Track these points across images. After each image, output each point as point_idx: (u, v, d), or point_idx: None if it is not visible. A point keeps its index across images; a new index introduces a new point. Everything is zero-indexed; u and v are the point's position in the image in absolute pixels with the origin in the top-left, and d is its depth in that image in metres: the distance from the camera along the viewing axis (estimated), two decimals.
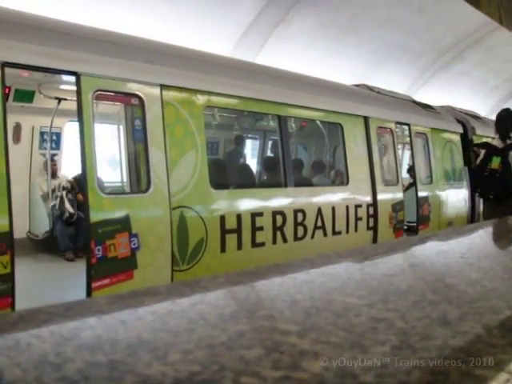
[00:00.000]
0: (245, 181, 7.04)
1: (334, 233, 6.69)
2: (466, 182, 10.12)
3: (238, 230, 5.46)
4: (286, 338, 0.76)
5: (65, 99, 6.99)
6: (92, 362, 0.66)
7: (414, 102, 9.78)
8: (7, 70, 3.91)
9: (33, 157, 7.67)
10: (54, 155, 7.93)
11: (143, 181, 4.89)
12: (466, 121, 10.47)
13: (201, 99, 5.36)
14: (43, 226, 7.61)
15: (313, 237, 6.36)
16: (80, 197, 7.11)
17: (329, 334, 0.78)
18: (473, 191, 9.21)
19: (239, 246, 5.46)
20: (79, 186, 6.99)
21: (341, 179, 7.50)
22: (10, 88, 6.54)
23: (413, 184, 8.83)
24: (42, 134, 7.79)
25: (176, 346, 0.73)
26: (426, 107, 9.65)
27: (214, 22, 10.00)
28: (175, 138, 5.00)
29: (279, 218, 5.93)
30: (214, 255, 5.20)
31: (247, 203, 5.75)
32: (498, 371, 0.66)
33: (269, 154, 9.26)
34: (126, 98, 4.94)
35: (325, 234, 6.54)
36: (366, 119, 7.54)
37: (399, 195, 8.09)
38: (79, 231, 7.10)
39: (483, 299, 1.04)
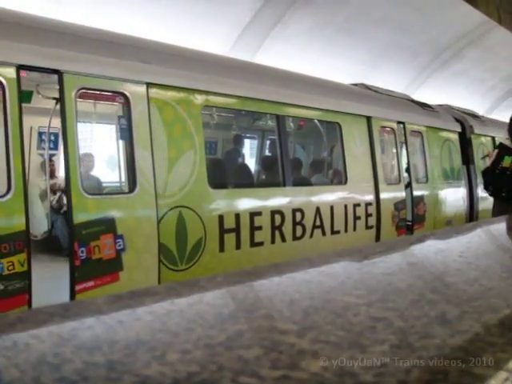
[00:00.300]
0: (243, 180, 7.04)
1: (333, 232, 6.70)
2: (464, 180, 10.13)
3: (237, 230, 5.45)
4: (285, 337, 0.76)
5: None
6: (90, 362, 0.65)
7: (412, 100, 9.79)
8: None
9: (31, 157, 7.66)
10: (52, 155, 7.92)
11: (128, 181, 4.83)
12: (464, 119, 10.49)
13: (195, 98, 5.30)
14: (42, 226, 7.60)
15: (311, 236, 6.36)
16: None
17: (328, 334, 0.78)
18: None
19: (238, 246, 5.46)
20: None
21: (339, 178, 7.51)
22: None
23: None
24: (40, 134, 7.78)
25: (174, 346, 0.73)
26: (424, 106, 9.65)
27: (210, 23, 9.99)
28: (163, 138, 4.92)
29: (278, 218, 5.93)
30: (212, 255, 5.19)
31: (246, 203, 5.74)
32: (497, 370, 0.66)
33: (267, 153, 9.26)
34: (110, 96, 4.89)
35: (323, 233, 6.55)
36: (368, 119, 7.56)
37: (401, 194, 8.11)
38: None
39: (482, 298, 1.04)
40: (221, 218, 5.30)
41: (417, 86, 15.53)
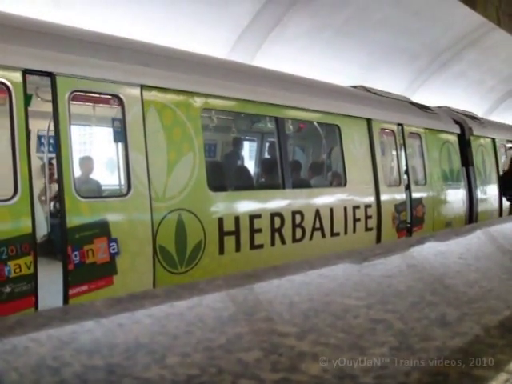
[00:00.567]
0: (243, 183, 7.04)
1: (333, 234, 6.70)
2: (463, 182, 10.13)
3: (237, 232, 5.45)
4: (285, 340, 0.76)
5: None
6: (90, 365, 0.65)
7: (411, 102, 9.80)
8: None
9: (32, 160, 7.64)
10: (51, 159, 7.92)
11: (123, 184, 4.80)
12: (463, 121, 10.49)
13: (193, 101, 5.27)
14: (41, 229, 7.59)
15: (311, 238, 6.36)
16: None
17: (328, 336, 0.78)
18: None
19: (237, 248, 5.45)
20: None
21: (338, 180, 7.52)
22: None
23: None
24: (39, 137, 7.78)
25: (174, 349, 0.72)
26: (423, 108, 9.66)
27: (209, 26, 10.00)
28: (159, 141, 4.89)
29: (277, 220, 5.93)
30: (212, 257, 5.19)
31: (245, 205, 5.74)
32: (498, 371, 0.66)
33: (266, 155, 9.27)
34: (104, 98, 4.85)
35: (323, 236, 6.54)
36: (368, 121, 7.57)
37: (401, 196, 8.13)
38: None
39: (482, 300, 1.04)
40: (220, 220, 5.30)
41: (416, 87, 15.55)
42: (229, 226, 5.37)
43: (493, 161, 11.42)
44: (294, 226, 6.16)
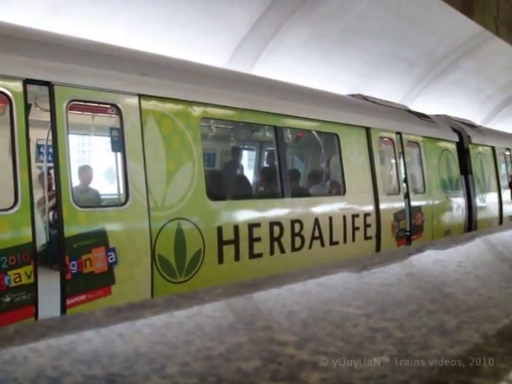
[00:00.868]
0: (242, 192, 7.04)
1: (332, 243, 6.69)
2: (462, 190, 10.14)
3: (236, 242, 5.44)
4: (284, 348, 0.76)
5: None
6: (90, 375, 0.65)
7: (410, 111, 9.82)
8: None
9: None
10: (50, 168, 7.92)
11: (121, 193, 4.78)
12: (461, 130, 10.52)
13: (192, 110, 5.27)
14: (41, 239, 7.58)
15: (310, 247, 6.35)
16: None
17: (327, 345, 0.78)
18: None
19: (237, 258, 5.44)
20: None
21: (337, 189, 7.52)
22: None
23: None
24: (38, 146, 7.78)
25: (174, 359, 0.72)
26: (422, 116, 9.68)
27: (208, 36, 10.05)
28: (158, 150, 4.87)
29: (276, 229, 5.93)
30: (211, 267, 5.18)
31: (244, 214, 5.74)
32: (497, 380, 0.66)
33: (265, 164, 9.27)
34: (102, 108, 4.84)
35: (322, 244, 6.54)
36: (367, 130, 7.59)
37: (401, 204, 8.13)
38: None
39: (481, 308, 1.04)
40: (219, 229, 5.29)
41: (414, 96, 15.61)
42: (228, 235, 5.36)
43: (492, 169, 11.44)
44: (293, 234, 6.15)
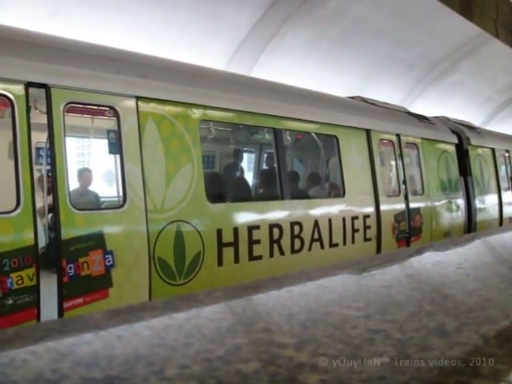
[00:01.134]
0: (241, 194, 7.04)
1: (332, 245, 6.69)
2: (461, 192, 10.14)
3: (235, 244, 5.44)
4: (284, 351, 0.76)
5: None
6: (89, 378, 0.65)
7: (409, 113, 9.83)
8: None
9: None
10: (49, 171, 7.91)
11: (118, 196, 4.77)
12: (460, 131, 10.52)
13: (191, 112, 5.27)
14: (42, 241, 7.57)
15: (310, 249, 6.35)
16: None
17: (326, 347, 0.77)
18: None
19: (236, 260, 5.44)
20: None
21: (337, 191, 7.52)
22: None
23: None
24: (37, 149, 7.78)
25: (173, 361, 0.72)
26: (421, 118, 9.69)
27: (207, 39, 10.06)
28: (156, 152, 4.86)
29: (276, 231, 5.92)
30: (210, 269, 5.17)
31: (244, 216, 5.74)
32: (497, 381, 0.66)
33: (265, 167, 9.27)
34: (99, 110, 4.83)
35: (322, 247, 6.53)
36: (367, 132, 7.60)
37: (401, 206, 8.13)
38: None
39: (480, 309, 1.04)
40: (219, 232, 5.28)
41: (413, 98, 15.62)
42: (227, 237, 5.36)
43: (492, 170, 11.44)
44: (293, 236, 6.15)
